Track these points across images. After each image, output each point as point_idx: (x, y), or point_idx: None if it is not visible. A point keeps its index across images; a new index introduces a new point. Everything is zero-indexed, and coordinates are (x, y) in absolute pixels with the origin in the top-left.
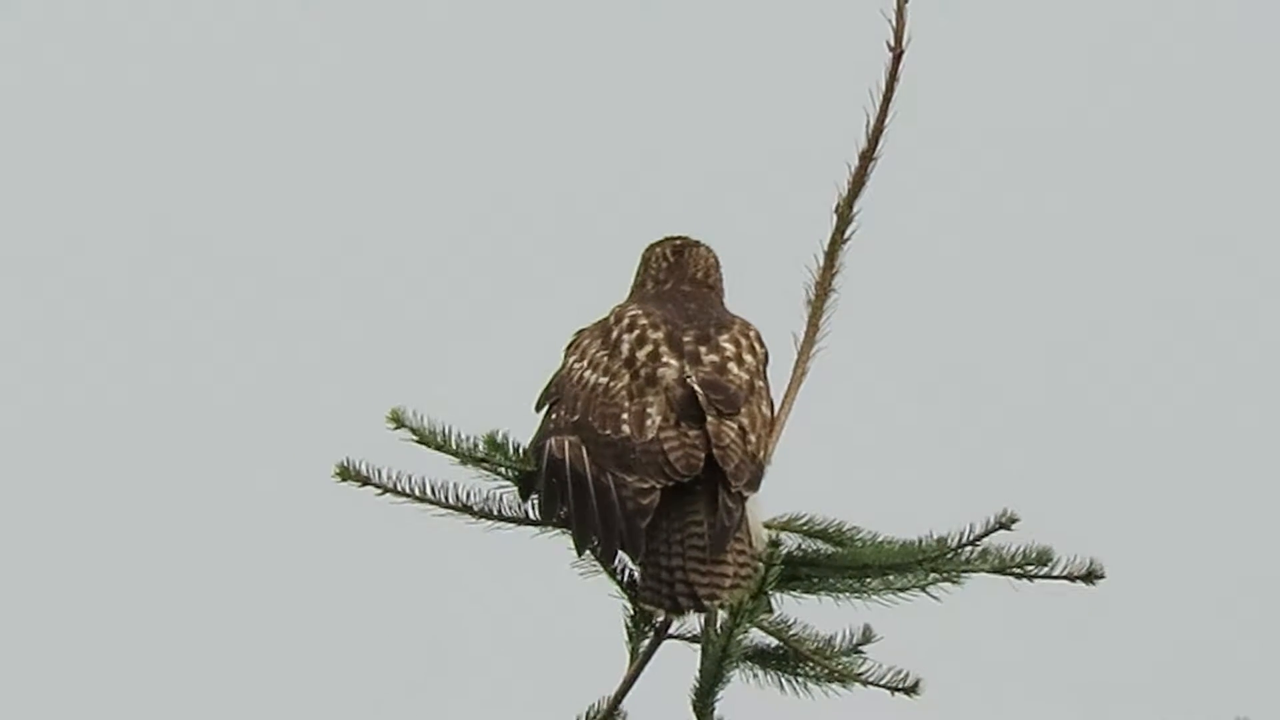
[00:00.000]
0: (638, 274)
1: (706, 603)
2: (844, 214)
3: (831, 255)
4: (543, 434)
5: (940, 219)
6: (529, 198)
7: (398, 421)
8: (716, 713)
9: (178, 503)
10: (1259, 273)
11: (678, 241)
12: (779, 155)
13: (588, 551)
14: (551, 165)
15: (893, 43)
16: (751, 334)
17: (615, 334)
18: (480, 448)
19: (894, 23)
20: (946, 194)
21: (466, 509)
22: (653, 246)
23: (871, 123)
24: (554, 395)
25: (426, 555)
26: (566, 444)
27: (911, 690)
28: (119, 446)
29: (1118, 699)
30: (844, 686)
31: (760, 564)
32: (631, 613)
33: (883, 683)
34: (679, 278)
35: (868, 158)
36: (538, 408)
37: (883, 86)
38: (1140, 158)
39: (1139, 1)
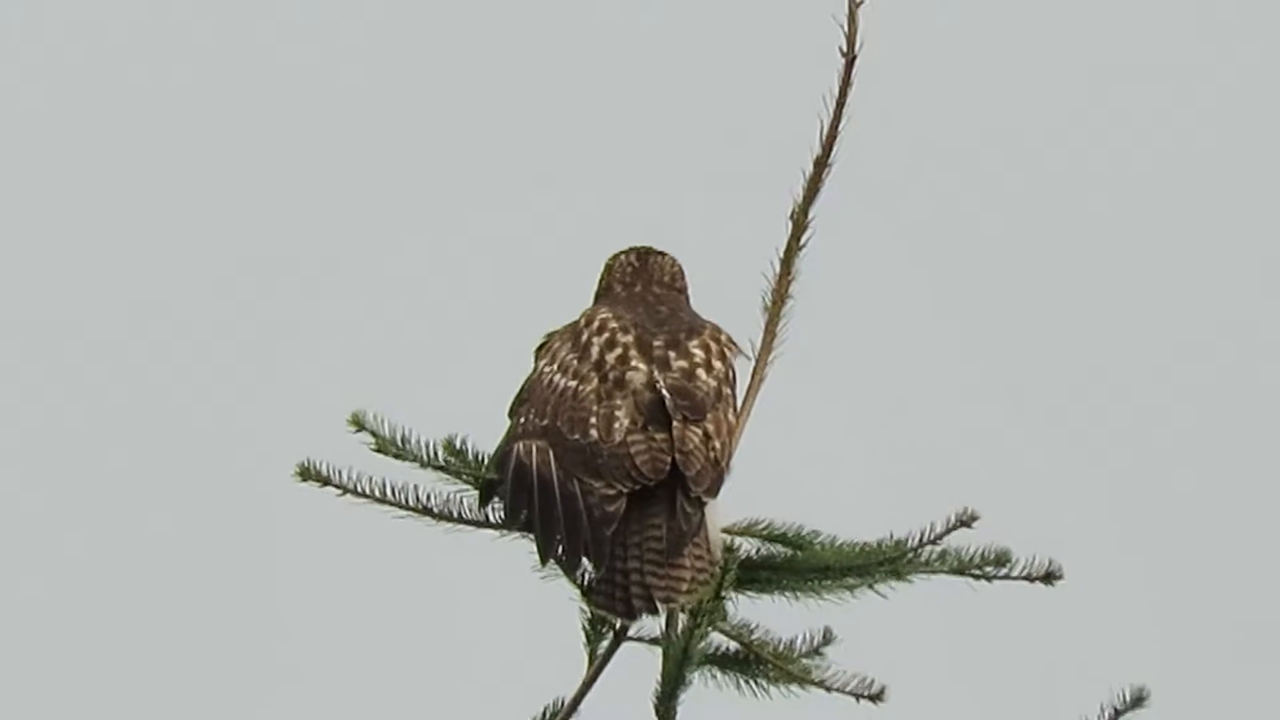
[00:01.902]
0: (601, 281)
1: (661, 606)
2: (799, 221)
3: (787, 262)
4: (510, 438)
5: (895, 224)
6: (492, 204)
7: (358, 425)
8: (678, 717)
9: (138, 503)
10: (1194, 262)
11: (640, 249)
12: (733, 163)
13: (551, 560)
14: (505, 170)
15: (846, 48)
16: (722, 339)
17: (585, 337)
18: (440, 454)
19: (846, 28)
20: (901, 199)
21: (427, 511)
22: (616, 255)
23: (825, 129)
24: (525, 399)
25: (386, 556)
26: (534, 449)
27: (877, 698)
28: (77, 450)
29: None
30: (803, 689)
31: (717, 569)
32: (589, 615)
33: (847, 689)
34: (645, 281)
35: (822, 164)
36: (510, 413)
37: (836, 92)
38: (1098, 160)
39: (1097, 6)
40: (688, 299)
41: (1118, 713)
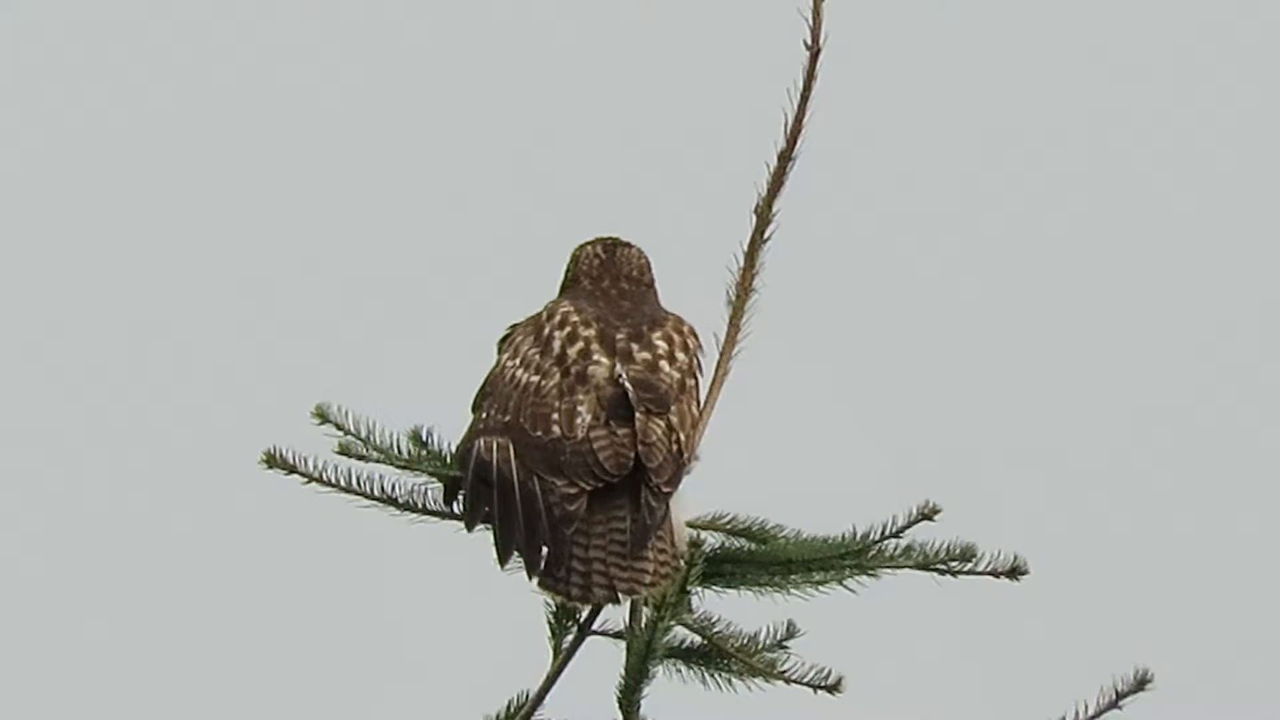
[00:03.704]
0: (567, 272)
1: (623, 597)
2: (763, 214)
3: (751, 255)
4: (473, 434)
5: (859, 217)
6: (459, 195)
7: (322, 417)
8: (642, 710)
9: (96, 496)
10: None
11: (608, 240)
12: (697, 156)
13: (511, 560)
14: (474, 162)
15: (810, 41)
16: (685, 330)
17: (547, 330)
18: (405, 446)
19: (811, 21)
20: (865, 192)
21: (392, 501)
22: (583, 245)
23: (790, 122)
24: (488, 393)
25: (350, 547)
26: (495, 445)
27: (834, 688)
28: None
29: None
30: (767, 682)
31: (681, 562)
32: (553, 608)
33: (805, 680)
34: (613, 276)
35: (786, 158)
36: (474, 407)
37: (800, 86)
38: (1063, 149)
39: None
40: (655, 292)
41: (1119, 696)
